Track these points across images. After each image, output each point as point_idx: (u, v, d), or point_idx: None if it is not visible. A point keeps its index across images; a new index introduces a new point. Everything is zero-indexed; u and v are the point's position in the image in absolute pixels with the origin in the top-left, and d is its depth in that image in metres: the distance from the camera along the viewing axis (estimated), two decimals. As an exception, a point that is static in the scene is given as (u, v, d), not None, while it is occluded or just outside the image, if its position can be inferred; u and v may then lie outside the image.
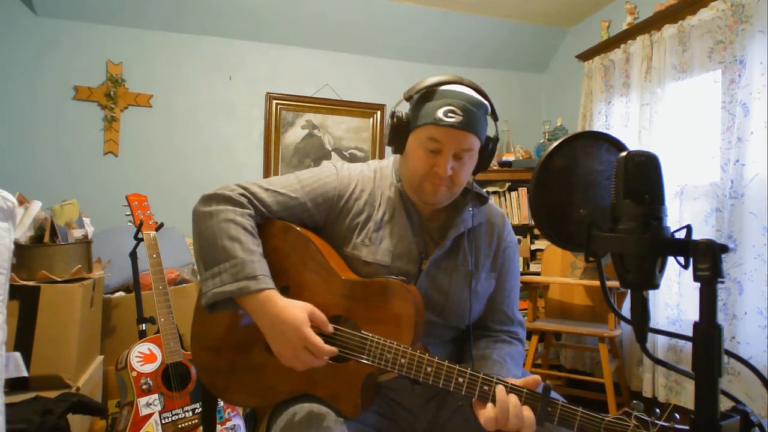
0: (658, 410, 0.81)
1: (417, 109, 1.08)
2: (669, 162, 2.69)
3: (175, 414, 1.87)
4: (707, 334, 0.60)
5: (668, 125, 2.75)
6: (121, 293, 2.57)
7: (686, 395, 2.57)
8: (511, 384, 0.92)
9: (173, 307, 2.00)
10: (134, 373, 1.84)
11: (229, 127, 3.47)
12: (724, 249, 0.59)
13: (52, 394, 1.73)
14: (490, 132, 1.11)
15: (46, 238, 2.04)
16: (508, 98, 3.97)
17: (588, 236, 0.68)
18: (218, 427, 1.91)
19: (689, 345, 0.79)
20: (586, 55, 3.42)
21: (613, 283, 2.12)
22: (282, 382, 1.05)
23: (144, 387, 1.85)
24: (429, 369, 0.96)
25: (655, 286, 0.64)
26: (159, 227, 2.14)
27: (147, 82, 3.29)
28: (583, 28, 3.68)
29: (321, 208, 1.14)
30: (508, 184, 3.58)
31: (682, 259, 0.63)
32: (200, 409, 1.90)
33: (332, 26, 3.48)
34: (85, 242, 2.16)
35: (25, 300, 1.88)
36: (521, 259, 3.46)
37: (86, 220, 2.25)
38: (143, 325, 2.16)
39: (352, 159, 3.71)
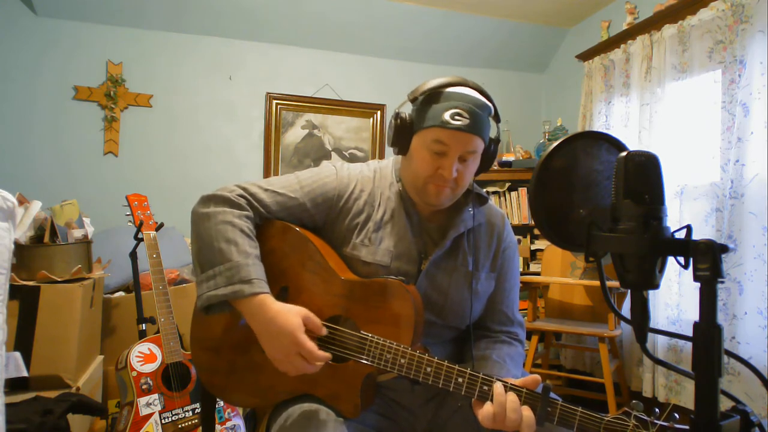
0: (657, 410, 0.81)
1: (422, 111, 1.07)
2: (669, 162, 2.69)
3: (175, 414, 1.87)
4: (707, 334, 0.60)
5: (668, 125, 2.75)
6: (121, 293, 2.57)
7: (686, 395, 2.57)
8: (511, 384, 0.92)
9: (173, 307, 2.00)
10: (134, 373, 1.84)
11: (229, 127, 3.47)
12: (724, 249, 0.59)
13: (52, 394, 1.73)
14: (492, 133, 1.12)
15: (46, 238, 2.04)
16: (508, 98, 3.97)
17: (588, 236, 0.68)
18: (218, 427, 1.91)
19: (689, 345, 0.79)
20: (586, 55, 3.42)
21: (613, 283, 2.12)
22: (281, 382, 1.05)
23: (144, 387, 1.85)
24: (428, 369, 0.96)
25: (655, 286, 0.64)
26: (159, 227, 2.14)
27: (147, 82, 3.29)
28: (583, 28, 3.68)
29: (320, 208, 1.14)
30: (508, 184, 3.58)
31: (682, 259, 0.63)
32: (200, 409, 1.90)
33: (332, 26, 3.48)
34: (85, 242, 2.16)
35: (25, 300, 1.88)
36: (521, 259, 3.46)
37: (86, 220, 2.25)
38: (143, 325, 2.16)
39: (352, 159, 3.71)
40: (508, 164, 3.57)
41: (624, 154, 0.65)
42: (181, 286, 2.55)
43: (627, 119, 3.06)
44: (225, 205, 1.08)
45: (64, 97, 3.13)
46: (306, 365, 0.97)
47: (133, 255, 2.22)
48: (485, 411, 0.91)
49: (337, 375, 1.01)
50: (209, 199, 1.10)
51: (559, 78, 3.98)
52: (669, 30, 2.76)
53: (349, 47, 3.67)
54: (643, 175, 0.64)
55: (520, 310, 1.27)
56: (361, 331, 1.01)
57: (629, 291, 0.68)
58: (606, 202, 0.70)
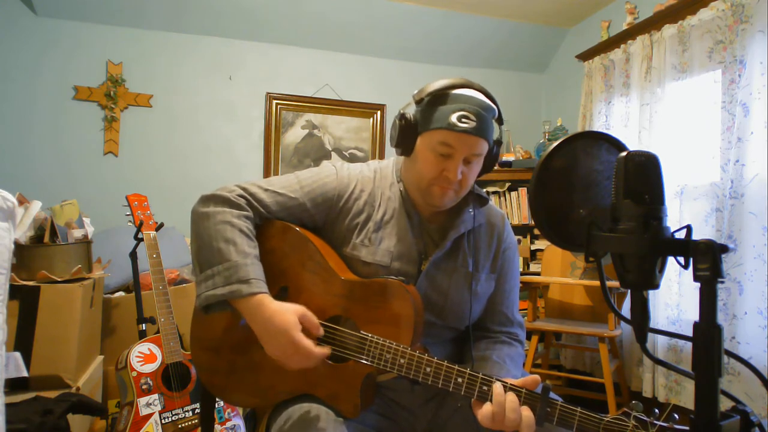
0: (657, 410, 0.81)
1: (428, 113, 1.07)
2: (669, 162, 2.69)
3: (175, 414, 1.87)
4: (707, 334, 0.60)
5: (668, 125, 2.75)
6: (121, 293, 2.57)
7: (686, 395, 2.57)
8: (510, 384, 0.92)
9: (173, 307, 2.00)
10: (134, 373, 1.84)
11: (229, 127, 3.47)
12: (724, 249, 0.59)
13: (52, 394, 1.73)
14: (495, 135, 1.12)
15: (46, 238, 2.04)
16: (508, 98, 3.96)
17: (588, 236, 0.68)
18: (218, 427, 1.91)
19: (689, 345, 0.79)
20: (586, 55, 3.41)
21: (613, 283, 2.12)
22: (281, 382, 1.05)
23: (144, 387, 1.85)
24: (428, 369, 0.96)
25: (655, 286, 0.64)
26: (159, 227, 2.14)
27: (147, 82, 3.29)
28: (583, 28, 3.68)
29: (320, 208, 1.14)
30: (508, 184, 3.58)
31: (682, 259, 0.63)
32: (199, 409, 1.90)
33: (332, 26, 3.48)
34: (85, 242, 2.16)
35: (25, 300, 1.88)
36: (521, 259, 3.46)
37: (86, 220, 2.25)
38: (143, 325, 2.16)
39: (352, 159, 3.71)
40: (508, 164, 3.57)
41: (624, 154, 0.65)
42: (181, 286, 2.55)
43: (627, 119, 3.06)
44: (224, 205, 1.08)
45: (64, 97, 3.13)
46: (304, 362, 0.97)
47: (133, 255, 2.22)
48: (484, 411, 0.91)
49: (336, 375, 1.01)
50: (209, 199, 1.10)
51: (559, 78, 3.98)
52: (669, 30, 2.76)
53: (349, 47, 3.67)
54: (643, 175, 0.64)
55: (520, 310, 1.27)
56: (361, 331, 1.01)
57: (629, 291, 0.68)
58: (606, 202, 0.70)
